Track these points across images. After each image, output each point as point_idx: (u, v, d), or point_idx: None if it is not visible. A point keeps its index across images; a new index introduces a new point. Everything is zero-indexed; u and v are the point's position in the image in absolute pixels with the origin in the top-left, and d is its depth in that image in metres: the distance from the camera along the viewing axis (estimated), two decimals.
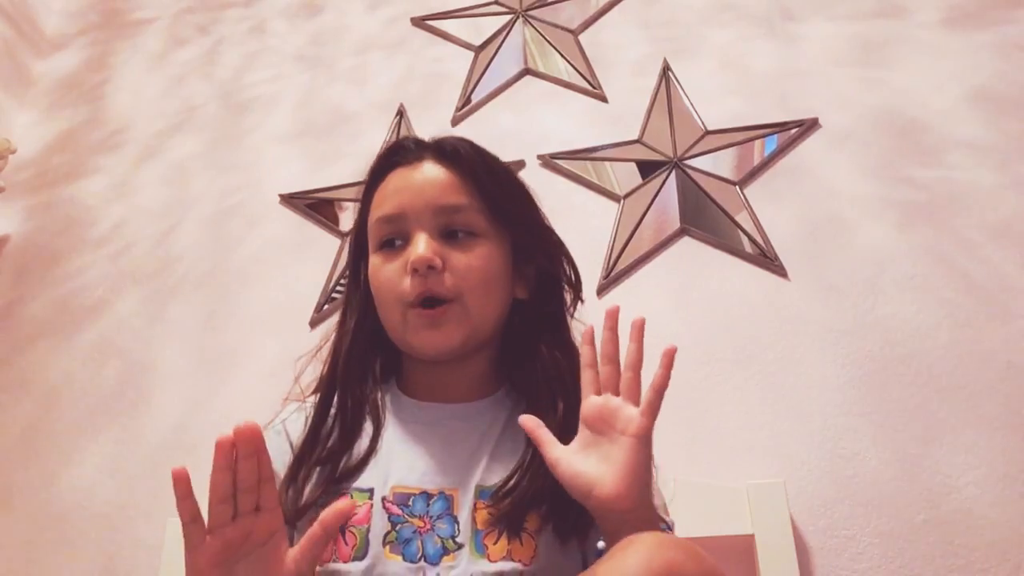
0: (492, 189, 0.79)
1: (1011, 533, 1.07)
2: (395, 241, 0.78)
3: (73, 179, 1.93)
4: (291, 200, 1.70)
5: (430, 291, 0.74)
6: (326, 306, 1.54)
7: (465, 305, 0.75)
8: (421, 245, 0.74)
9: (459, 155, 0.80)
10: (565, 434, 0.70)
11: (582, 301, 0.86)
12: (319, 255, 1.61)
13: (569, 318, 0.84)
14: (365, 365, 0.80)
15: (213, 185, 1.80)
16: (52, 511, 1.48)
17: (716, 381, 1.27)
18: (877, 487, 1.14)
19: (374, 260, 0.79)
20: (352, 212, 1.65)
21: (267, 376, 1.50)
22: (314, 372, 0.83)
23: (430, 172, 0.79)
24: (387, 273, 0.77)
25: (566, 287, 0.85)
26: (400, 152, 0.83)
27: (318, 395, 0.80)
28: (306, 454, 0.75)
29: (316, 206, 1.68)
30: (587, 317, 0.83)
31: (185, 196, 1.80)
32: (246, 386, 1.49)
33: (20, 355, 1.70)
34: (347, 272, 0.87)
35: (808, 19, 1.58)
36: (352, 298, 0.83)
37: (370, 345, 0.81)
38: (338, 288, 1.56)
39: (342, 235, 1.62)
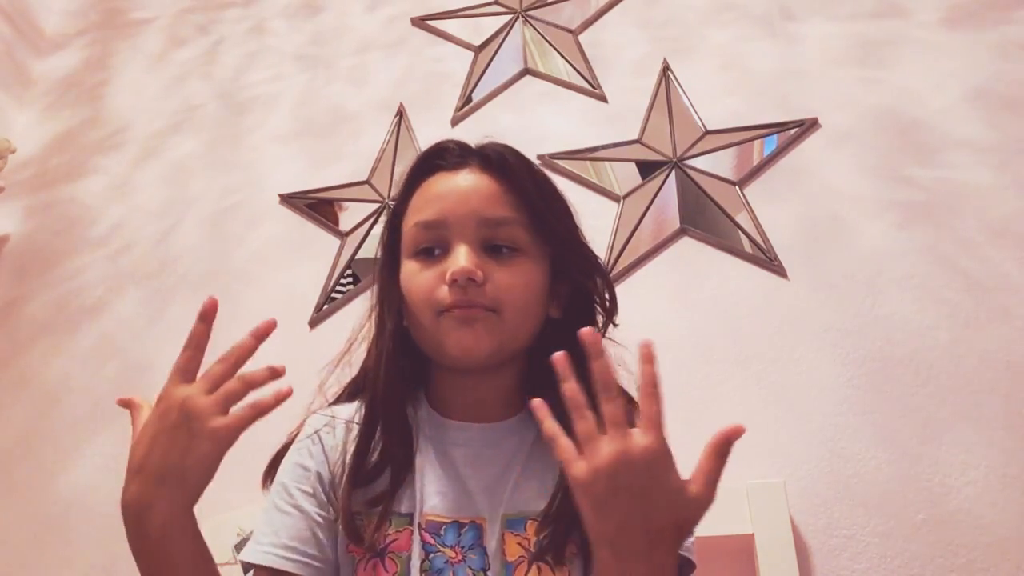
0: (538, 204, 0.75)
1: (1011, 533, 1.07)
2: (434, 250, 0.74)
3: (73, 179, 1.93)
4: (291, 200, 1.70)
5: (470, 303, 0.70)
6: (326, 306, 1.54)
7: (502, 319, 0.71)
8: (462, 257, 0.70)
9: (506, 164, 0.76)
10: None
11: (615, 324, 0.80)
12: (319, 255, 1.61)
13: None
14: (401, 379, 0.76)
15: (213, 185, 1.80)
16: (52, 510, 1.48)
17: (716, 381, 1.27)
18: (877, 487, 1.14)
19: (410, 266, 0.75)
20: (352, 212, 1.65)
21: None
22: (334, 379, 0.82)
23: (475, 180, 0.75)
24: (423, 281, 0.73)
25: (599, 308, 0.80)
26: (442, 155, 0.78)
27: (358, 408, 0.77)
28: (352, 472, 0.72)
29: (316, 206, 1.68)
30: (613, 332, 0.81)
31: (185, 196, 1.80)
32: None
33: (20, 355, 1.70)
34: (377, 277, 0.82)
35: (808, 19, 1.58)
36: (385, 307, 0.79)
37: (402, 353, 0.77)
38: (338, 288, 1.56)
39: (342, 235, 1.62)
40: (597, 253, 0.84)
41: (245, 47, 2.03)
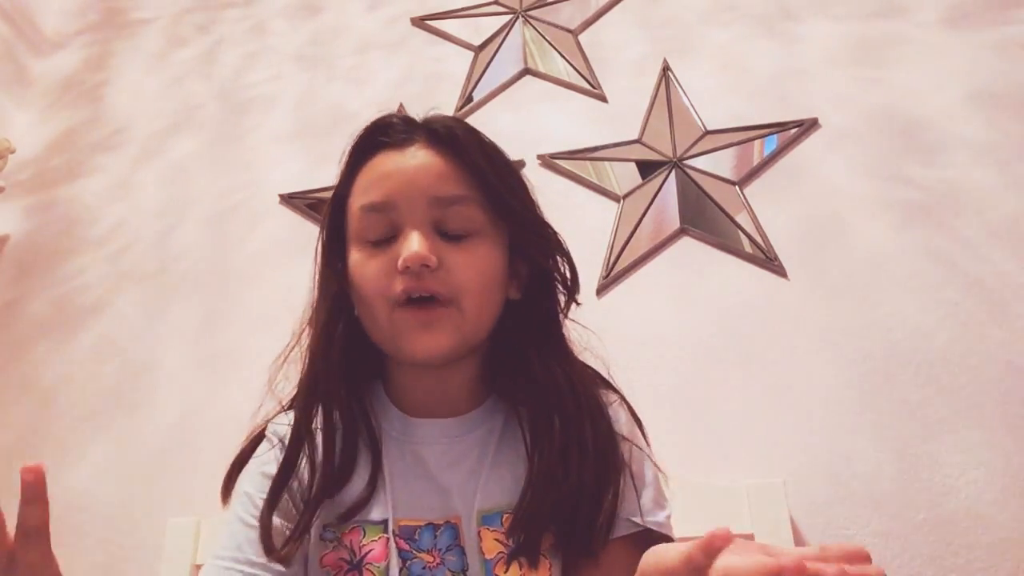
0: (492, 180, 0.70)
1: (1011, 533, 1.07)
2: (382, 234, 0.69)
3: (73, 179, 1.93)
4: (291, 200, 1.70)
5: (424, 289, 0.65)
6: None
7: (461, 311, 0.66)
8: (415, 242, 0.65)
9: (456, 139, 0.70)
10: (564, 456, 0.65)
11: (577, 303, 0.77)
12: None
13: (563, 319, 0.77)
14: (351, 374, 0.71)
15: (213, 185, 1.80)
16: (52, 511, 1.47)
17: (716, 381, 1.27)
18: (877, 487, 1.14)
19: (356, 255, 0.70)
20: None
21: (267, 376, 1.50)
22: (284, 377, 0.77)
23: (424, 157, 0.70)
24: (373, 272, 0.67)
25: (560, 287, 0.76)
26: (386, 131, 0.73)
27: (316, 411, 0.73)
28: (285, 481, 0.68)
29: (316, 206, 1.68)
30: (585, 317, 0.80)
31: (185, 196, 1.80)
32: (246, 386, 1.49)
33: (20, 355, 1.70)
34: (318, 264, 0.76)
35: (808, 19, 1.58)
36: (327, 295, 0.73)
37: (351, 347, 0.72)
38: None
39: None
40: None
41: (245, 47, 2.03)
